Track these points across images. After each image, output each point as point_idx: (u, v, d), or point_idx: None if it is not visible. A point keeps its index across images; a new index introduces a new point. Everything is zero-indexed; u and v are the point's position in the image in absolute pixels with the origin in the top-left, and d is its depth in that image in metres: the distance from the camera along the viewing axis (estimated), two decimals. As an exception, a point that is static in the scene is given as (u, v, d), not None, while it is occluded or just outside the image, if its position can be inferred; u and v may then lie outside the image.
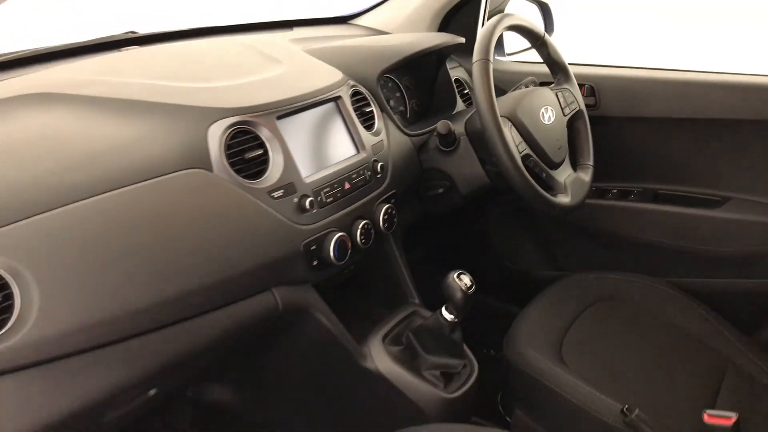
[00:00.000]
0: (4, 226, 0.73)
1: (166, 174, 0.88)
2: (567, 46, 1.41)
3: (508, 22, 1.26)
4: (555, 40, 1.38)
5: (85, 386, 0.78)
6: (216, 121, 0.97)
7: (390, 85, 1.45)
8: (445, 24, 1.69)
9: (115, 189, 0.83)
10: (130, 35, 1.35)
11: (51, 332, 0.73)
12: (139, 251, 0.83)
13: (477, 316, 1.26)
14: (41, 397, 0.74)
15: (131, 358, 0.83)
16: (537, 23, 1.56)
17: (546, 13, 1.71)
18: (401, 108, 1.47)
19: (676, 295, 1.36)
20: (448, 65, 1.54)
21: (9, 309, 0.71)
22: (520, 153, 1.20)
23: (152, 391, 0.93)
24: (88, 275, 0.77)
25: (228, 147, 0.96)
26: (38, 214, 0.76)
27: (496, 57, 1.65)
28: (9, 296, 0.71)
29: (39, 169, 0.81)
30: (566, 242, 1.70)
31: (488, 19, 1.64)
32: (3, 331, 0.70)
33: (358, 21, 1.73)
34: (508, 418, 1.27)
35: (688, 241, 1.49)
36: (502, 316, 1.37)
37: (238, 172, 0.96)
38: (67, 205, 0.78)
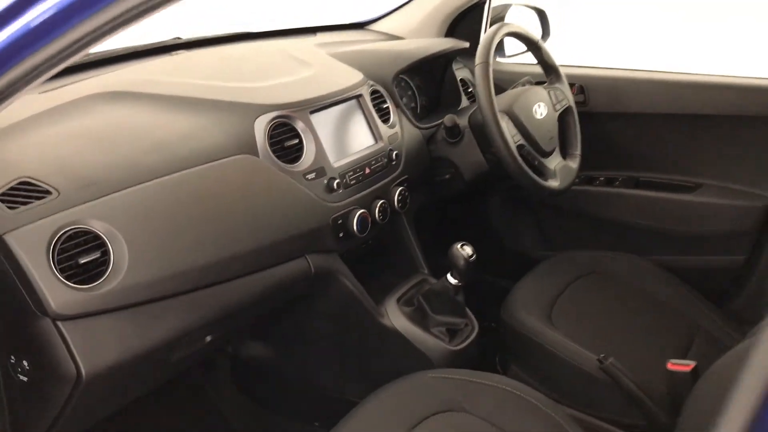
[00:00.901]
0: (101, 197, 0.93)
1: (221, 158, 1.08)
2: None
3: (506, 29, 1.44)
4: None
5: (162, 327, 0.98)
6: (260, 115, 1.17)
7: (403, 84, 1.64)
8: (452, 30, 1.86)
9: (182, 170, 1.03)
10: (177, 41, 1.54)
11: (137, 281, 0.93)
12: (202, 220, 1.02)
13: (478, 292, 1.42)
14: (131, 333, 0.94)
15: (196, 307, 1.03)
16: (534, 28, 1.74)
17: (543, 19, 1.85)
18: (412, 104, 1.66)
19: (655, 269, 1.52)
20: (454, 66, 1.73)
21: (106, 263, 0.91)
22: (516, 143, 1.37)
23: (208, 338, 1.13)
24: (164, 238, 0.97)
25: (270, 137, 1.16)
26: (125, 188, 0.96)
27: (498, 58, 1.79)
28: (106, 252, 0.91)
29: (121, 153, 1.01)
30: (558, 225, 1.87)
31: (490, 26, 1.82)
32: (102, 279, 0.90)
33: (374, 27, 1.89)
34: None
35: (665, 222, 1.65)
36: (500, 292, 1.50)
37: (279, 157, 1.16)
38: (146, 182, 0.98)
